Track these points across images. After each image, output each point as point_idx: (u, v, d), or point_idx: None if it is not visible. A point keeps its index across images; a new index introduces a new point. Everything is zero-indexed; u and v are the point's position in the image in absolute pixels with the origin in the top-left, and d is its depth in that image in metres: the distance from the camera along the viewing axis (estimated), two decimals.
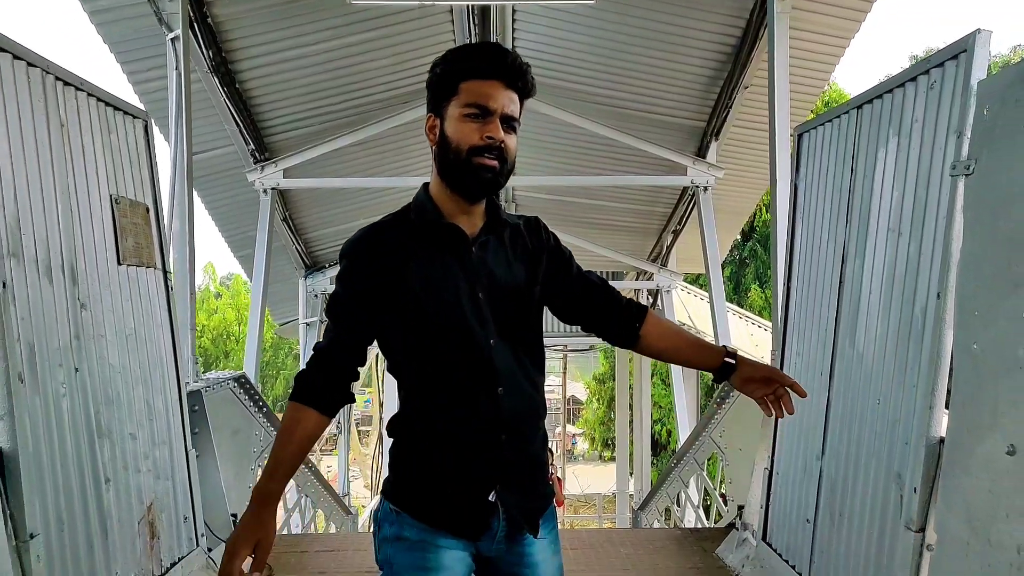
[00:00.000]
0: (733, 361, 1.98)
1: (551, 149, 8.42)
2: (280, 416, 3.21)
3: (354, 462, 17.12)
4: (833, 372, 3.66)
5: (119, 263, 3.73)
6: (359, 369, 1.89)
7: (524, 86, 1.81)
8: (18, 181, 2.92)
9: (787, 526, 4.13)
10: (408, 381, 1.88)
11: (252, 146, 7.14)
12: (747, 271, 22.18)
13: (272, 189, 7.30)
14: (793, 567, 3.97)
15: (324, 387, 1.82)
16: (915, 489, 2.80)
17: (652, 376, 15.05)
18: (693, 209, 8.44)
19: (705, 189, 7.50)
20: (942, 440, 2.63)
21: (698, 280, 16.91)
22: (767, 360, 5.43)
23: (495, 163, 1.76)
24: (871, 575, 3.08)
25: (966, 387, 2.53)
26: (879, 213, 3.42)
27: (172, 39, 5.08)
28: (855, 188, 3.70)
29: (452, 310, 1.82)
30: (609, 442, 27.06)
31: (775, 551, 4.24)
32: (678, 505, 8.21)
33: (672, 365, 9.89)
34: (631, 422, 15.12)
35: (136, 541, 3.66)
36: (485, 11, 6.57)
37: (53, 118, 3.24)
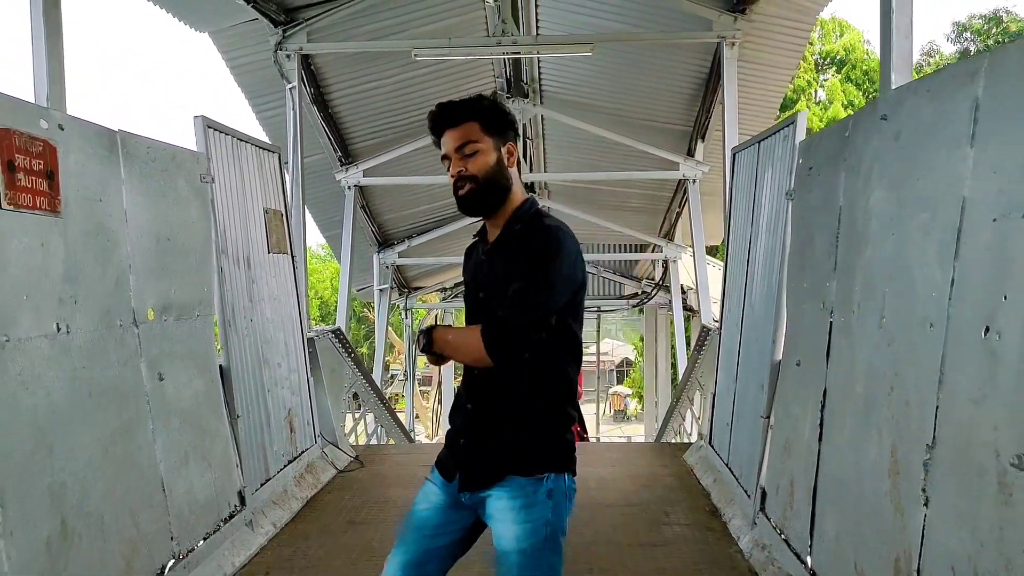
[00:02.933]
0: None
1: (577, 150, 10.07)
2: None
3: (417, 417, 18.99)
4: (743, 321, 5.25)
5: (268, 252, 5.52)
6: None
7: (467, 113, 2.13)
8: (227, 205, 4.73)
9: (718, 430, 5.76)
10: None
11: (339, 153, 8.93)
12: None
13: (355, 186, 9.11)
14: (720, 457, 5.57)
15: None
16: (763, 388, 4.43)
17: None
18: (687, 196, 10.02)
19: (694, 181, 9.07)
20: (779, 362, 4.25)
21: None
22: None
23: (465, 191, 2.10)
24: (748, 444, 4.75)
25: (788, 328, 4.16)
26: (763, 217, 5.01)
27: (290, 88, 6.84)
28: (756, 199, 5.27)
29: (467, 300, 2.30)
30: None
31: (713, 449, 5.86)
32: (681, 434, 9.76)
33: (676, 328, 11.65)
34: (656, 376, 16.76)
35: (283, 431, 5.48)
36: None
37: (236, 163, 5.04)
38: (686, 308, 12.36)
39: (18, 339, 2.71)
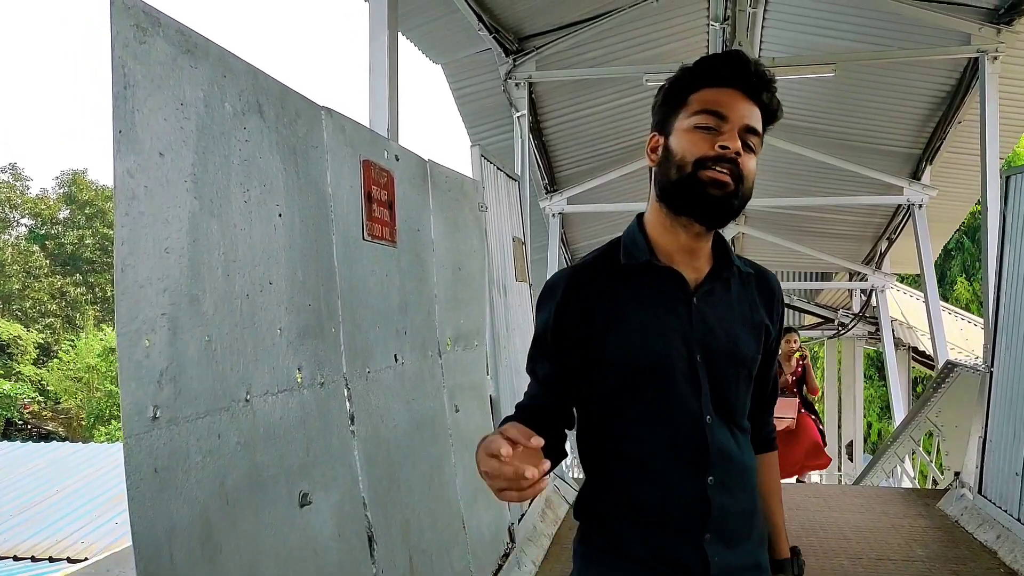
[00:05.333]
0: (785, 558, 1.59)
1: (787, 174, 9.55)
2: None
3: None
4: None
5: (516, 280, 5.43)
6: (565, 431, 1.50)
7: (768, 100, 1.39)
8: (492, 233, 4.66)
9: (998, 480, 5.12)
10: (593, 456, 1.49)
11: (546, 180, 8.87)
12: (953, 263, 21.41)
13: (559, 213, 9.01)
14: (1006, 511, 4.95)
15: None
16: None
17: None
18: (907, 222, 9.26)
19: (920, 206, 8.36)
20: None
21: (905, 279, 17.05)
22: (979, 352, 6.33)
23: (727, 178, 1.32)
24: None
25: None
26: None
27: (519, 116, 6.81)
28: None
29: (661, 376, 1.38)
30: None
31: (990, 500, 5.22)
32: (893, 477, 9.01)
33: (887, 362, 10.66)
34: (839, 410, 15.69)
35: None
36: None
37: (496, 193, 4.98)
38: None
39: (375, 370, 2.65)
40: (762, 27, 7.33)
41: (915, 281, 18.11)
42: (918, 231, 8.29)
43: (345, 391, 2.38)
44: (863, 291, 11.83)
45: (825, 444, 7.06)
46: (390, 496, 2.64)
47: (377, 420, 2.62)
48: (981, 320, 9.05)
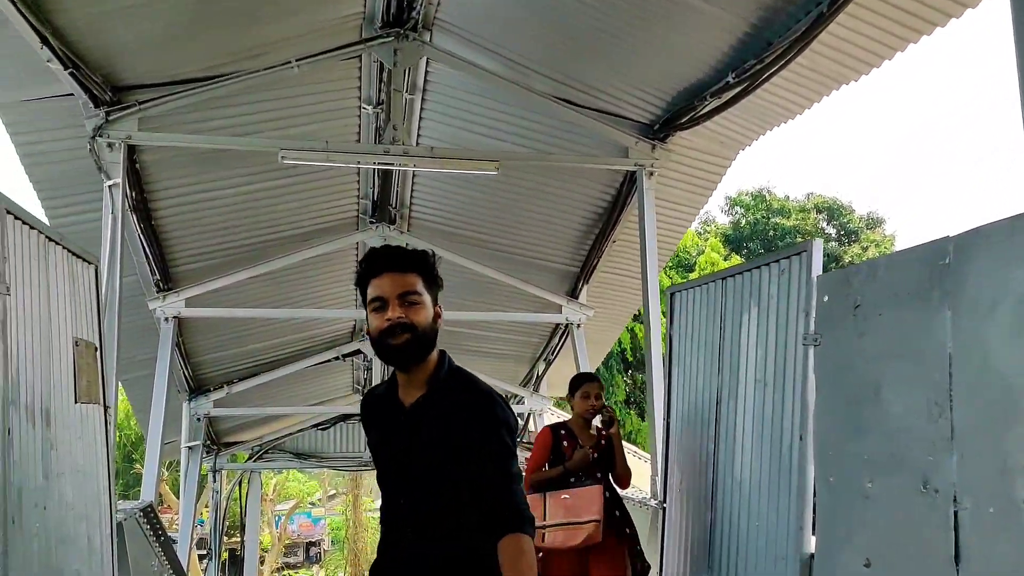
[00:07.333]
0: None
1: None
2: None
3: None
4: (715, 498, 4.28)
5: (76, 401, 3.89)
6: None
7: (413, 264, 2.17)
8: (26, 330, 3.16)
9: None
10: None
11: (157, 276, 7.28)
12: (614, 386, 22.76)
13: (173, 318, 7.41)
14: None
15: None
16: None
17: None
18: (565, 342, 9.20)
19: (578, 326, 8.29)
20: (812, 556, 3.27)
21: (562, 403, 17.62)
22: (646, 487, 6.04)
23: (403, 339, 2.09)
24: None
25: (827, 512, 3.21)
26: (747, 366, 4.16)
27: (110, 186, 5.34)
28: (724, 344, 4.45)
29: (383, 463, 2.28)
30: None
31: None
32: None
33: None
34: None
35: None
36: (387, 169, 7.18)
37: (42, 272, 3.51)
38: None
39: None
40: (420, 117, 6.81)
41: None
42: (577, 351, 8.17)
43: None
44: (520, 415, 11.68)
45: None
46: None
47: None
48: (646, 454, 9.14)
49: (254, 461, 13.03)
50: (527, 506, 2.13)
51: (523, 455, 5.92)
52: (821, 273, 3.53)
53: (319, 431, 13.21)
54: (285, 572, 30.64)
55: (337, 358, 10.87)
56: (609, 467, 4.52)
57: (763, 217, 29.51)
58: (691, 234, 24.56)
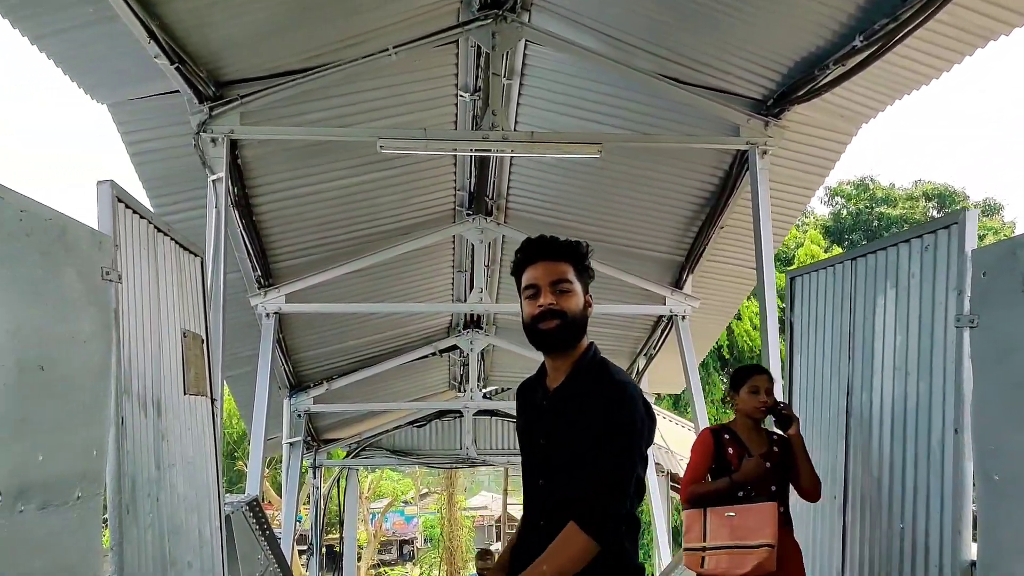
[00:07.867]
0: None
1: None
2: None
3: None
4: (847, 498, 3.97)
5: (184, 392, 3.90)
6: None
7: (565, 253, 2.27)
8: (137, 319, 3.15)
9: None
10: None
11: (258, 272, 7.38)
12: (713, 382, 22.08)
13: (274, 313, 7.51)
14: None
15: None
16: None
17: None
18: (668, 334, 8.92)
19: (683, 317, 8.01)
20: (973, 564, 2.96)
21: (662, 400, 17.23)
22: None
23: (552, 324, 2.20)
24: None
25: (992, 513, 2.88)
26: (884, 353, 3.84)
27: (214, 180, 5.40)
28: (855, 330, 4.13)
29: (524, 444, 2.41)
30: None
31: None
32: None
33: (648, 489, 10.16)
34: None
35: None
36: (484, 158, 7.08)
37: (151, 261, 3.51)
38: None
39: None
40: (518, 103, 6.67)
41: (674, 403, 18.43)
42: (683, 344, 7.88)
43: None
44: None
45: None
46: None
47: None
48: None
49: (352, 458, 13.20)
50: (615, 519, 2.13)
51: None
52: (976, 247, 3.19)
53: (415, 428, 13.30)
54: (381, 569, 31.13)
55: (433, 353, 10.90)
56: (785, 479, 3.74)
57: (866, 207, 28.20)
58: None
